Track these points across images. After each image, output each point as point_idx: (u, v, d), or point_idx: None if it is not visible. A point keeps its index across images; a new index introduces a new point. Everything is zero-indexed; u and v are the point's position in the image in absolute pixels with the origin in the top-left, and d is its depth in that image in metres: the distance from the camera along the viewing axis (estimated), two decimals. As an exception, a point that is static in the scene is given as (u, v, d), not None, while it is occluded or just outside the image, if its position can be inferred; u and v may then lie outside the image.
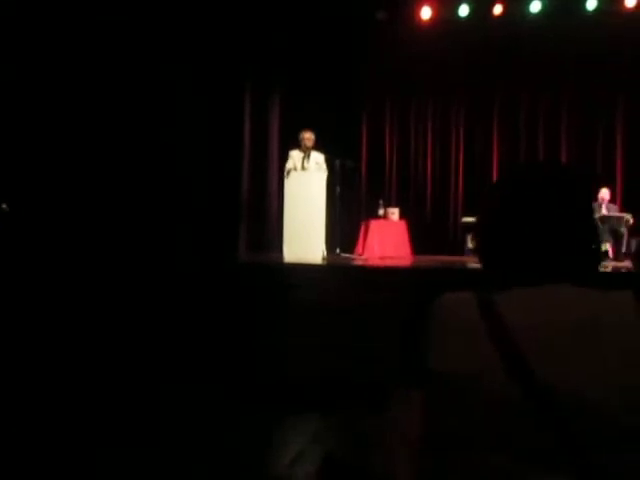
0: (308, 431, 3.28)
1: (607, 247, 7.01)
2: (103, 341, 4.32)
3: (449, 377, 0.92)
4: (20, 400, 3.53)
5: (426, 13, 8.48)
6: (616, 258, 7.02)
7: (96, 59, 5.26)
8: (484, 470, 0.88)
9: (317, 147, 6.69)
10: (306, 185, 6.46)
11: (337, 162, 6.67)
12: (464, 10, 8.32)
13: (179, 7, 5.54)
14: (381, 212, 7.81)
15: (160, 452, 3.00)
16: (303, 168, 6.62)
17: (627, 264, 6.35)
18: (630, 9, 7.90)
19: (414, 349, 0.99)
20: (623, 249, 7.09)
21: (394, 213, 7.89)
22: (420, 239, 8.25)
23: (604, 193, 7.34)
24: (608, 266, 6.19)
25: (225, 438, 3.20)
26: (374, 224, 7.60)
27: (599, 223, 6.45)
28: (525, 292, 0.95)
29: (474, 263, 6.81)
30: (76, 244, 4.99)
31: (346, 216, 7.34)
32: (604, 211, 7.22)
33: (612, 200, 7.55)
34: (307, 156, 6.63)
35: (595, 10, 8.00)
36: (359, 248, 7.65)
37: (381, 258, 6.96)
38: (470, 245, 8.21)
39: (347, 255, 6.99)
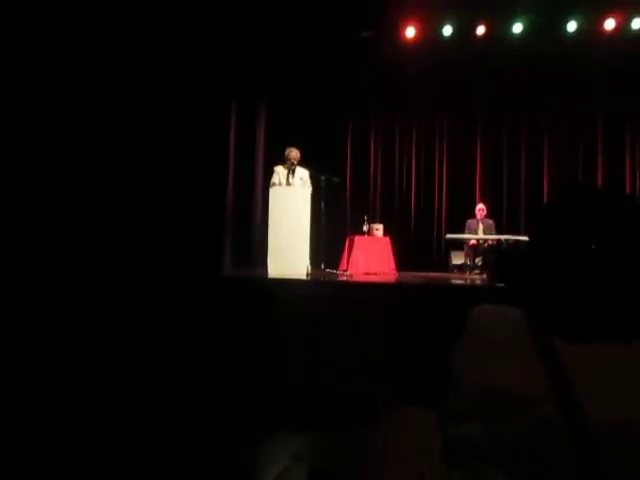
0: (292, 447, 3.24)
1: None
2: (92, 356, 4.26)
3: (482, 387, 0.88)
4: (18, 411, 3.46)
5: (410, 32, 8.60)
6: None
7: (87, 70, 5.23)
8: None
9: (302, 163, 6.69)
10: (291, 200, 6.44)
11: (322, 178, 6.68)
12: (448, 30, 8.45)
13: (166, 23, 5.55)
14: (365, 228, 7.82)
15: (146, 467, 2.94)
16: (288, 183, 6.61)
17: None
18: (609, 31, 8.11)
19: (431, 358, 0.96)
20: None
21: (378, 229, 7.91)
22: (404, 255, 8.29)
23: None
24: None
25: (209, 453, 3.15)
26: (359, 240, 7.62)
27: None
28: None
29: (458, 279, 6.84)
30: (61, 260, 4.92)
31: (331, 232, 7.34)
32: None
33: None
34: (292, 171, 6.62)
35: (575, 31, 8.20)
36: (343, 264, 7.65)
37: (365, 274, 6.96)
38: (455, 261, 8.25)
39: (331, 271, 6.98)
